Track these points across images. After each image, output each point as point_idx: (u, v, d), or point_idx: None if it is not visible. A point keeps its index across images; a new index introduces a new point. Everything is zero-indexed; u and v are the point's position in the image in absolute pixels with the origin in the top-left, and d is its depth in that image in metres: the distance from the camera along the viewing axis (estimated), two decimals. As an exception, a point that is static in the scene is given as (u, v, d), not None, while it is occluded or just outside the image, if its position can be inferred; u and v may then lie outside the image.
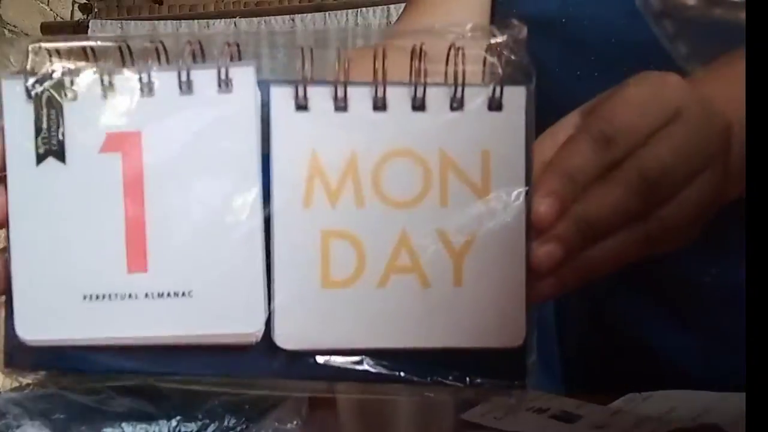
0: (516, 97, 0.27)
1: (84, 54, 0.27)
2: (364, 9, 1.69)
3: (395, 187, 0.27)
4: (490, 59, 0.27)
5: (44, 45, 0.27)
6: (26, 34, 2.25)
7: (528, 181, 0.27)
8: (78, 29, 1.83)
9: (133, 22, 1.81)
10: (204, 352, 0.27)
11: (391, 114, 0.27)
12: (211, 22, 1.76)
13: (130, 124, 0.27)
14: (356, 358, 0.27)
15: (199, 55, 0.27)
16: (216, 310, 0.27)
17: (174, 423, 0.29)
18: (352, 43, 1.67)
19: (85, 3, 1.90)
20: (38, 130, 0.27)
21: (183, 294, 0.27)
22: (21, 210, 0.27)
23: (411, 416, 0.36)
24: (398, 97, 0.27)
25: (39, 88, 0.27)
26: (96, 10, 1.88)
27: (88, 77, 0.27)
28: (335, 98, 0.27)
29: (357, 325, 0.27)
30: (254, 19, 1.74)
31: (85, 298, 0.27)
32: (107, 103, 0.27)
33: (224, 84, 0.27)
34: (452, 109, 0.27)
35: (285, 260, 0.27)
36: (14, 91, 0.27)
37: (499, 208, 0.27)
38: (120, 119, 0.27)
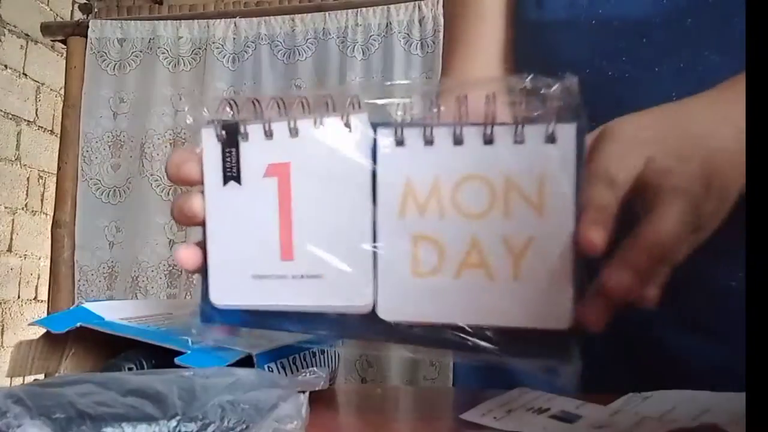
0: (568, 132, 0.34)
1: (252, 104, 0.38)
2: (364, 9, 1.68)
3: (468, 202, 0.35)
4: (546, 102, 0.34)
5: (226, 97, 0.38)
6: (26, 34, 2.25)
7: (576, 199, 0.33)
8: (78, 29, 1.83)
9: (133, 22, 1.81)
10: (332, 319, 0.37)
11: (467, 147, 0.35)
12: (211, 22, 1.76)
13: (283, 157, 0.37)
14: (438, 330, 0.35)
15: (307, 107, 0.37)
16: (339, 289, 0.36)
17: (174, 423, 0.29)
18: (352, 42, 1.67)
19: (85, 3, 1.90)
20: (224, 162, 0.38)
21: (316, 276, 0.37)
22: (213, 215, 0.38)
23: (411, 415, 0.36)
24: (473, 134, 0.35)
25: (224, 134, 0.38)
26: (96, 10, 1.87)
27: (255, 125, 0.37)
28: (425, 136, 0.35)
29: (438, 305, 0.35)
30: (254, 19, 1.74)
31: (253, 277, 0.38)
32: (268, 143, 0.37)
33: (347, 125, 0.36)
34: (515, 143, 0.34)
35: (385, 256, 0.36)
36: (210, 136, 0.38)
37: (551, 221, 0.34)
38: (276, 154, 0.37)
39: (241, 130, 0.38)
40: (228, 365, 0.40)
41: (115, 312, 0.47)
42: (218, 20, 1.77)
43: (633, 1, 0.49)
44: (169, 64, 1.77)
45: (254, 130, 0.38)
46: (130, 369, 0.42)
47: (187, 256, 0.39)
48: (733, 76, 0.39)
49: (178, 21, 1.79)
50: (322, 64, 1.68)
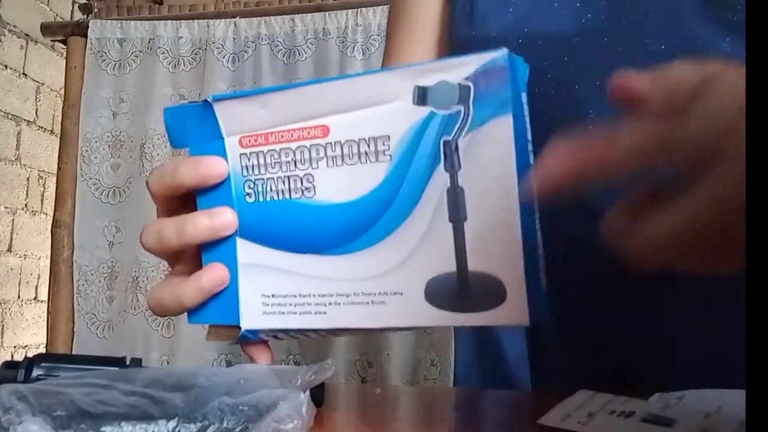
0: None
1: None
2: (364, 9, 1.68)
3: None
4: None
5: None
6: (26, 34, 2.25)
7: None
8: (78, 29, 1.83)
9: (133, 22, 1.81)
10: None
11: None
12: (211, 22, 1.76)
13: None
14: None
15: None
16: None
17: (174, 423, 0.29)
18: (352, 42, 1.67)
19: (85, 3, 1.90)
20: None
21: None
22: None
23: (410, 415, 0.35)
24: None
25: None
26: (96, 10, 1.88)
27: None
28: None
29: None
30: (254, 19, 1.74)
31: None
32: None
33: None
34: None
35: None
36: None
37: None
38: None
39: None
40: None
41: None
42: (218, 20, 1.77)
43: (555, 20, 0.50)
44: (169, 64, 1.77)
45: None
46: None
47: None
48: None
49: (178, 21, 1.79)
50: (322, 64, 1.68)
